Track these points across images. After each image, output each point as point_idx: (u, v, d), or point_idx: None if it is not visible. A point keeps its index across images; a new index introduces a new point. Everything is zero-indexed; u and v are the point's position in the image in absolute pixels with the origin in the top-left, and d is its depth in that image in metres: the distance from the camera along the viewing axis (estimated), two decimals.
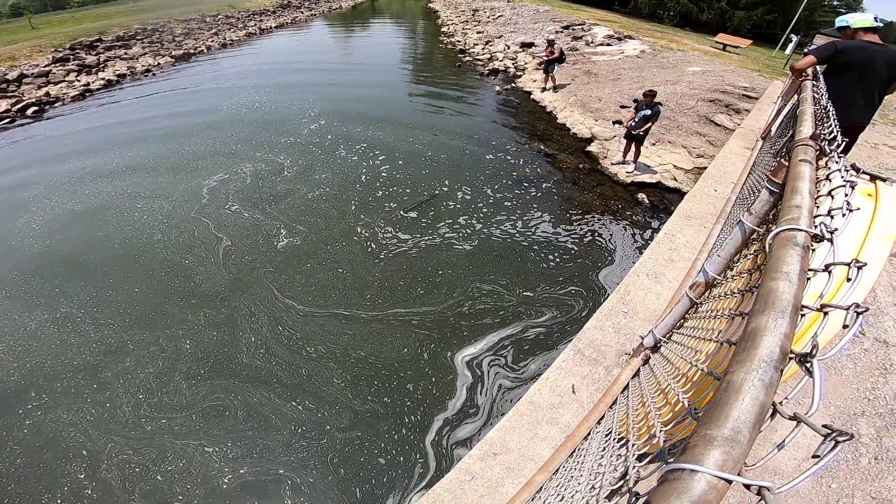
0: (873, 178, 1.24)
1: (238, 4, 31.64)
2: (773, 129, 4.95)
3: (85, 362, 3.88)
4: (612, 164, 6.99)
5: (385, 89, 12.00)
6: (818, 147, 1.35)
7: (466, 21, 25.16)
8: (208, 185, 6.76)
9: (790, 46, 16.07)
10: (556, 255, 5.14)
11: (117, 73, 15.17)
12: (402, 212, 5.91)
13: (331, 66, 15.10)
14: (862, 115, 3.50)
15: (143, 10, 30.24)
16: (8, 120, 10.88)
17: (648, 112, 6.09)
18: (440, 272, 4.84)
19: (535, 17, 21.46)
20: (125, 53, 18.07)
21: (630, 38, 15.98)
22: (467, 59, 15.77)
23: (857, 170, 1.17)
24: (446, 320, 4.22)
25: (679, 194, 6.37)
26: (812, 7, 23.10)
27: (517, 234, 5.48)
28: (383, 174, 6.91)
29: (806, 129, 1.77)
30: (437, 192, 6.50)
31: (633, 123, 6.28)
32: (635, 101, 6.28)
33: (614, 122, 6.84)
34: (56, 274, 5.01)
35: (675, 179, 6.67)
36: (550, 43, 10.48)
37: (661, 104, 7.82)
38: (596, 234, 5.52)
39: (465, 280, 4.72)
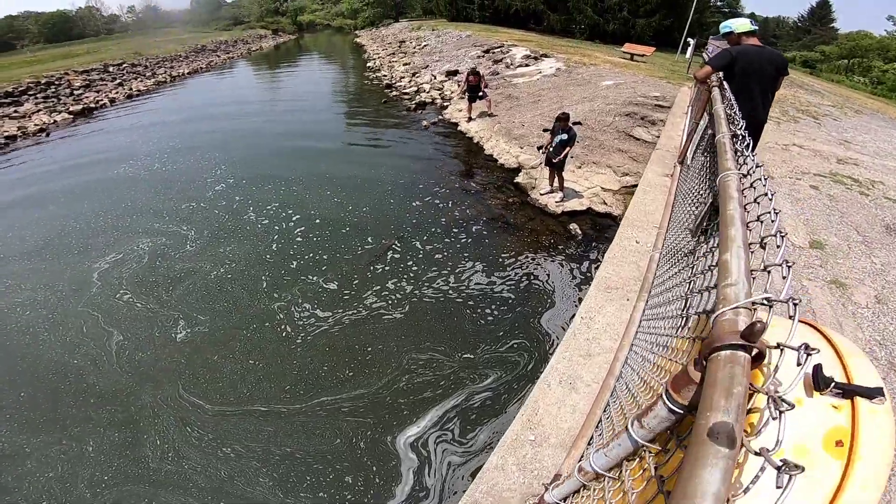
0: (847, 393, 0.72)
1: (145, 51, 29.78)
2: (689, 153, 4.90)
3: None
4: (541, 194, 6.83)
5: (303, 138, 11.27)
6: (752, 351, 0.72)
7: (393, 53, 25.29)
8: (99, 270, 5.81)
9: (689, 50, 17.26)
10: (494, 307, 4.79)
11: (5, 134, 13.38)
12: (368, 265, 5.60)
13: (244, 113, 14.22)
14: (762, 113, 3.82)
15: (38, 62, 27.61)
16: None
17: (565, 136, 5.94)
18: (370, 348, 4.32)
19: (458, 44, 21.93)
20: (15, 111, 16.07)
21: (546, 56, 16.60)
22: (394, 94, 15.50)
23: (828, 384, 0.69)
24: (382, 401, 3.78)
25: (610, 218, 6.28)
26: (701, 9, 25.46)
27: (450, 291, 5.05)
28: (298, 239, 6.21)
29: (735, 272, 0.96)
30: (397, 235, 6.19)
31: (551, 150, 6.13)
32: (553, 125, 6.17)
33: (538, 148, 6.74)
34: None
35: (605, 203, 6.61)
36: (476, 73, 10.40)
37: (579, 123, 7.83)
38: (532, 276, 5.23)
39: (399, 353, 4.25)
